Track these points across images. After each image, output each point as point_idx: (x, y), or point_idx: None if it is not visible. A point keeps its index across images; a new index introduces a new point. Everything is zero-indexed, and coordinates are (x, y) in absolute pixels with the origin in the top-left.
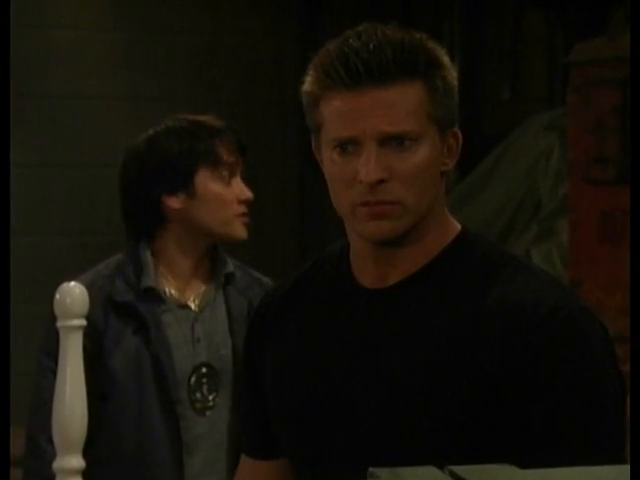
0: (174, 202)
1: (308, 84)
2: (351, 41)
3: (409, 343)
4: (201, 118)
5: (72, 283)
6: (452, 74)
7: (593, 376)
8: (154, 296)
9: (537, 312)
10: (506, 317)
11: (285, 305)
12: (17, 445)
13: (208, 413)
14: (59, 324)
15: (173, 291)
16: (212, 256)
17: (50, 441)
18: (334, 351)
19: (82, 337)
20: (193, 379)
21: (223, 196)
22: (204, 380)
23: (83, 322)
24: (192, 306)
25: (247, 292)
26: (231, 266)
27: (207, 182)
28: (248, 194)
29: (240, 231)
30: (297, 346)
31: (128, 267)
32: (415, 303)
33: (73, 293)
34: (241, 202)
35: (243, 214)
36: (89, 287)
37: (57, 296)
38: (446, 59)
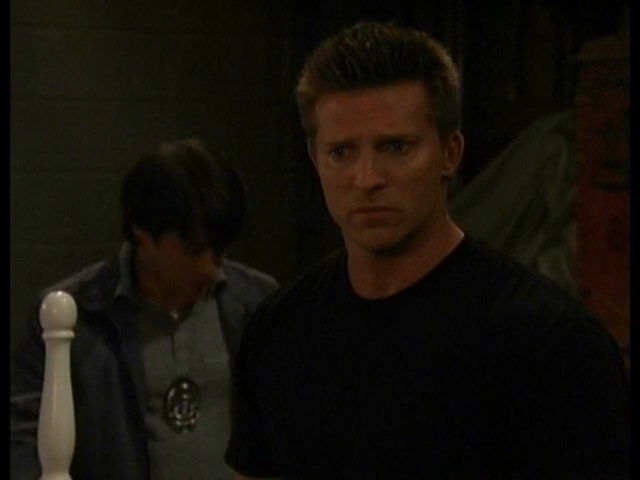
0: (139, 233)
1: (303, 85)
2: (347, 40)
3: (409, 356)
4: (216, 187)
5: (59, 293)
6: (453, 74)
7: (601, 393)
8: (128, 305)
9: (543, 324)
10: (511, 329)
11: (280, 315)
12: None
13: (185, 432)
14: (45, 336)
15: (154, 299)
16: None
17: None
18: (331, 365)
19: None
20: (172, 393)
21: (183, 264)
22: (185, 396)
23: (70, 334)
24: (173, 315)
25: (244, 297)
26: (222, 274)
27: (173, 244)
28: (211, 274)
29: (191, 296)
30: (292, 358)
31: (110, 274)
32: (415, 315)
33: (60, 303)
34: (201, 277)
35: (200, 284)
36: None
37: (43, 306)
38: (447, 59)
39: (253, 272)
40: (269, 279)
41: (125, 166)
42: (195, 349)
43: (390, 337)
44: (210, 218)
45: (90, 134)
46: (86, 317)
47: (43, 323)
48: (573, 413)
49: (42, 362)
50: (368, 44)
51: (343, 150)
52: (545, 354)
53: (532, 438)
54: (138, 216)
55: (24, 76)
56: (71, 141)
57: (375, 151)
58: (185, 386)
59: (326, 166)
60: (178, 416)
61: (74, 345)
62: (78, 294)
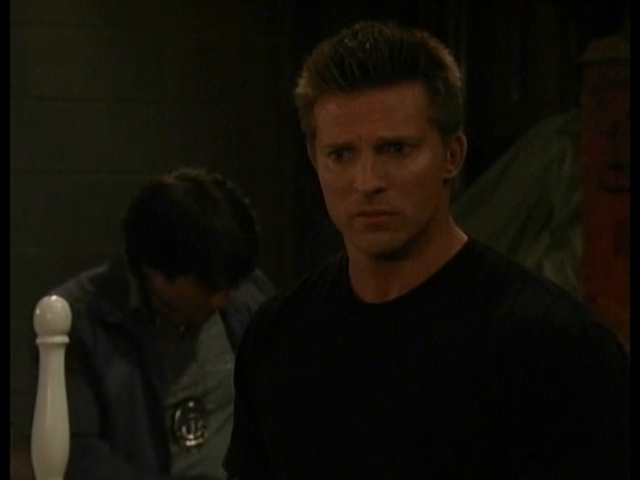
0: (149, 271)
1: (301, 87)
2: (346, 41)
3: (411, 361)
4: (231, 226)
5: (53, 297)
6: (455, 75)
7: (604, 401)
8: (143, 316)
9: (547, 329)
10: (514, 334)
11: (280, 319)
12: None
13: (194, 451)
14: (39, 341)
15: (160, 313)
16: None
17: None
18: (332, 371)
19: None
20: (178, 413)
21: (197, 301)
22: (191, 415)
23: (65, 339)
24: (180, 327)
25: (245, 298)
26: None
27: (189, 284)
28: (224, 305)
29: (199, 319)
30: (292, 365)
31: (113, 285)
32: (417, 320)
33: (54, 308)
34: (215, 307)
35: (211, 312)
36: (76, 301)
37: (37, 311)
38: (449, 59)
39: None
40: (259, 273)
41: (120, 168)
42: (197, 359)
43: (391, 342)
44: (230, 261)
45: (85, 135)
46: (105, 328)
47: (37, 328)
48: (576, 419)
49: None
50: (368, 45)
51: (343, 153)
52: (548, 359)
53: (533, 444)
54: (151, 256)
55: (17, 76)
56: (65, 142)
57: (375, 154)
58: (191, 405)
59: (326, 169)
60: (187, 436)
61: (94, 357)
62: (94, 304)
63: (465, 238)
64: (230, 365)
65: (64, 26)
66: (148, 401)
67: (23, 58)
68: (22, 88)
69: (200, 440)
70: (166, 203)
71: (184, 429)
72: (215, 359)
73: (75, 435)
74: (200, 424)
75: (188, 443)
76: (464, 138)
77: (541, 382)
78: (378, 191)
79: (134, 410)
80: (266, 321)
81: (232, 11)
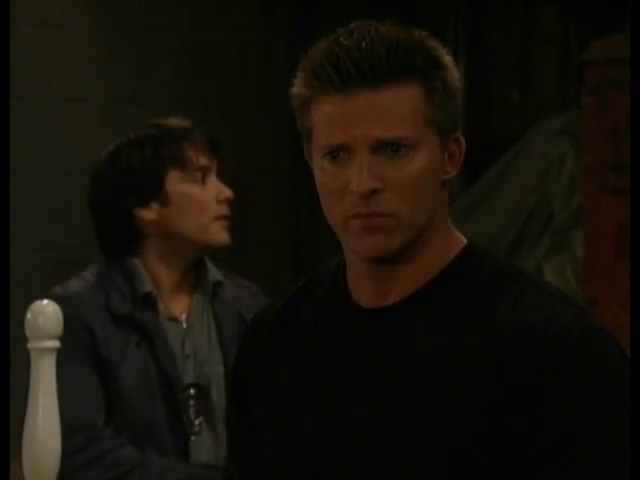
0: (148, 213)
1: (297, 86)
2: (342, 40)
3: (410, 368)
4: (166, 121)
5: (45, 301)
6: (453, 75)
7: (608, 405)
8: (151, 304)
9: (548, 333)
10: (515, 339)
11: (276, 327)
12: None
13: (193, 438)
14: (30, 346)
15: (163, 305)
16: (197, 266)
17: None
18: (330, 378)
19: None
20: (180, 400)
21: (198, 198)
22: (191, 402)
23: (57, 344)
24: (181, 320)
25: (236, 302)
26: (218, 274)
27: (179, 186)
28: (227, 193)
29: (221, 235)
30: (290, 372)
31: (117, 276)
32: (417, 325)
33: (46, 312)
34: (220, 203)
35: (223, 216)
36: (78, 296)
37: (28, 315)
38: (447, 59)
39: (244, 281)
40: (252, 284)
41: None
42: (198, 357)
43: (391, 349)
44: (186, 130)
45: (77, 136)
46: (115, 320)
47: (28, 333)
48: (577, 423)
49: None
50: (364, 44)
51: (338, 154)
52: (550, 364)
53: (535, 450)
54: (132, 193)
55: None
56: (57, 143)
57: (371, 155)
58: (192, 391)
59: (321, 170)
60: (186, 421)
61: (107, 348)
62: (100, 296)
63: (464, 241)
64: (221, 368)
65: (57, 25)
66: (164, 390)
67: (15, 57)
68: (13, 88)
69: (197, 428)
70: (113, 157)
71: (184, 417)
72: (212, 359)
73: (85, 426)
74: (200, 410)
75: (187, 429)
76: (462, 139)
77: (543, 386)
78: (374, 192)
79: (152, 400)
80: (263, 328)
81: (227, 10)
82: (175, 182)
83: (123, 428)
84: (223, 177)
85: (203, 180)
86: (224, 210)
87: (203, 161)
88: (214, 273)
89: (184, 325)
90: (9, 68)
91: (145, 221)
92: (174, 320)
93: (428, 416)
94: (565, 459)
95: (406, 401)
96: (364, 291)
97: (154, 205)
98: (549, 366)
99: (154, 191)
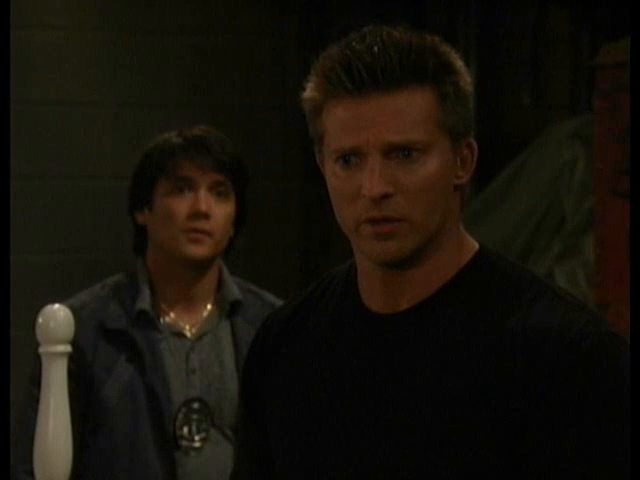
0: (138, 217)
1: (309, 91)
2: (354, 44)
3: (423, 375)
4: (185, 130)
5: (56, 305)
6: (465, 79)
7: (622, 411)
8: (148, 321)
9: (562, 339)
10: (528, 345)
11: (287, 332)
12: None
13: (193, 454)
14: (41, 350)
15: (168, 317)
16: (218, 281)
17: (30, 473)
18: (343, 382)
19: (68, 364)
20: (181, 414)
21: (170, 208)
22: (194, 417)
23: (68, 348)
24: (187, 334)
25: (257, 322)
26: (237, 293)
27: (162, 195)
28: (197, 207)
29: (189, 248)
30: (302, 375)
31: (125, 289)
32: (429, 331)
33: (57, 316)
34: (191, 216)
35: (192, 229)
36: (79, 309)
37: (39, 320)
38: (459, 63)
39: (270, 297)
40: (279, 302)
41: (123, 173)
42: (207, 372)
43: (404, 356)
44: (191, 142)
45: (87, 140)
46: (107, 335)
47: (39, 337)
48: (593, 430)
49: None
50: (376, 48)
51: (350, 158)
52: (565, 369)
53: (551, 455)
54: (132, 196)
55: (19, 80)
56: (67, 147)
57: (383, 159)
58: (196, 405)
59: (333, 174)
60: (186, 436)
61: (94, 364)
62: (99, 311)
63: (476, 246)
64: (236, 385)
65: (66, 30)
66: (150, 407)
67: (23, 62)
68: (24, 92)
69: (198, 444)
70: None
71: (185, 430)
72: (224, 377)
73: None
74: (202, 426)
75: (185, 444)
76: (474, 144)
77: (557, 392)
78: (386, 197)
79: (136, 417)
80: (273, 333)
81: (237, 14)
82: (160, 192)
83: (109, 450)
84: (229, 193)
85: (188, 193)
86: (194, 224)
87: (188, 173)
88: (233, 290)
89: (190, 338)
90: (9, 74)
91: (139, 225)
92: (179, 334)
93: (442, 422)
94: (582, 463)
95: (420, 406)
96: (375, 295)
97: (146, 211)
98: (564, 371)
99: (145, 197)
